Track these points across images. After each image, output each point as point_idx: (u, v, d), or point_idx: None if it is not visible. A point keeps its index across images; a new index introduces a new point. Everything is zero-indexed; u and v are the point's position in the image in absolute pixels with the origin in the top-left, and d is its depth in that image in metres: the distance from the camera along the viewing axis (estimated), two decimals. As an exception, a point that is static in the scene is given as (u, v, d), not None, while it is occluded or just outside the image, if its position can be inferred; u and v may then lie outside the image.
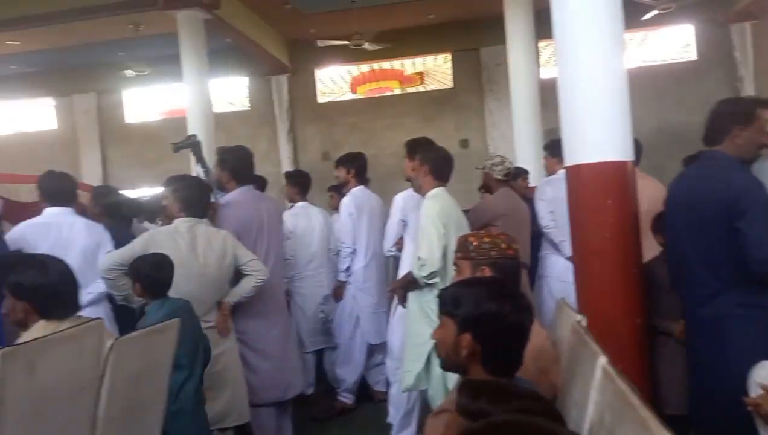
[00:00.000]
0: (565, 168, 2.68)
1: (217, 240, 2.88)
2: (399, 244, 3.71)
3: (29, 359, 1.41)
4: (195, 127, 7.42)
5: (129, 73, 10.12)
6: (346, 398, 4.29)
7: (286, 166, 11.21)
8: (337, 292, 4.34)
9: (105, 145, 12.74)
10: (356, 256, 4.25)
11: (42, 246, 2.69)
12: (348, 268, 4.26)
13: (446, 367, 1.53)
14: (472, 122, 11.42)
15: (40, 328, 1.95)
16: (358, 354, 4.28)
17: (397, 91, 12.08)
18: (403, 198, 3.64)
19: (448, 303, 1.48)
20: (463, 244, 2.10)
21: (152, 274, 2.49)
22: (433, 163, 3.03)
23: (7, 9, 7.83)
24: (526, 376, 1.52)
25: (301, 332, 4.30)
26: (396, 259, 3.88)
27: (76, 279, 2.10)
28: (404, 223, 3.59)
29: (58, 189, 3.08)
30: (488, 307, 1.40)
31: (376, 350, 4.27)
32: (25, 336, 1.92)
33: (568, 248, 3.39)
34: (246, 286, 2.95)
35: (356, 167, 4.32)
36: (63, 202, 3.05)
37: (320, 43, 9.62)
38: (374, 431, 3.77)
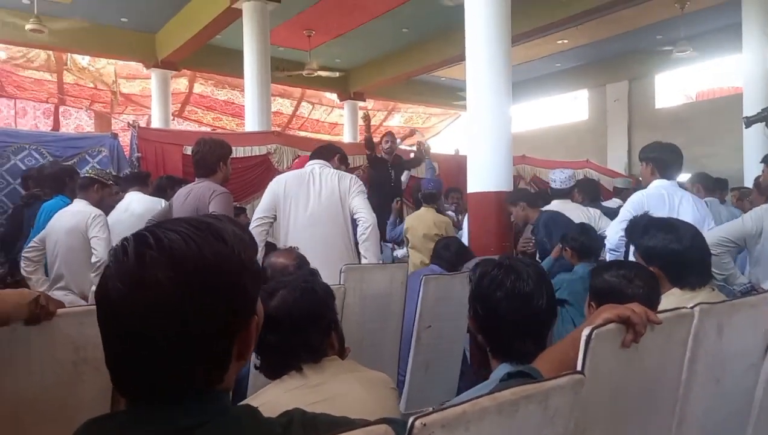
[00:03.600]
0: None
1: None
2: None
3: (719, 321, 1.32)
4: (752, 104, 6.55)
5: (673, 54, 9.77)
6: None
7: None
8: None
9: (632, 131, 12.86)
10: None
11: (658, 213, 2.75)
12: None
13: None
14: None
15: (675, 296, 1.89)
16: None
17: None
18: None
19: None
20: None
21: None
22: None
23: (562, 9, 8.66)
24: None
25: None
26: None
27: (707, 247, 1.97)
28: None
29: (671, 161, 3.15)
30: None
31: None
32: (663, 302, 1.88)
33: None
34: None
35: None
36: (669, 175, 3.15)
37: None
38: None
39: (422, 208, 5.01)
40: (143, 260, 0.68)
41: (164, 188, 4.55)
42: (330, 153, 3.55)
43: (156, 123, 10.34)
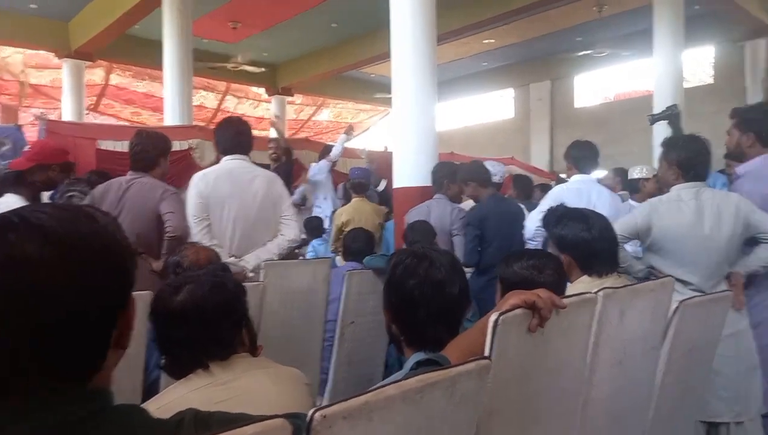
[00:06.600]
0: None
1: (728, 205, 2.46)
2: None
3: (621, 305, 1.37)
4: (661, 106, 6.95)
5: (586, 54, 10.24)
6: None
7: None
8: None
9: (554, 130, 13.40)
10: None
11: (575, 206, 2.86)
12: None
13: None
14: None
15: (584, 283, 1.96)
16: None
17: None
18: None
19: None
20: None
21: None
22: None
23: (490, 8, 8.89)
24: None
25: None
26: None
27: (616, 236, 2.06)
28: None
29: (584, 156, 3.31)
30: None
31: None
32: (570, 289, 1.95)
33: None
34: (764, 255, 2.43)
35: None
36: (585, 170, 3.29)
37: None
38: None
39: (354, 199, 4.94)
40: (7, 240, 0.62)
41: (93, 185, 4.26)
42: (252, 144, 3.17)
43: (68, 116, 9.76)
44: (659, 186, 3.44)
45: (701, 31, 9.91)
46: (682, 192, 2.53)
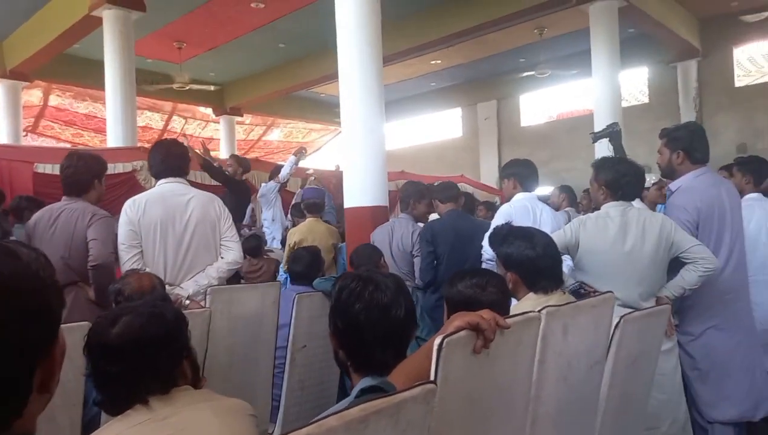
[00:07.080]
0: None
1: (653, 224, 2.57)
2: None
3: (564, 322, 1.40)
4: (601, 123, 7.23)
5: (529, 75, 10.59)
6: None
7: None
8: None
9: (501, 147, 13.72)
10: None
11: (524, 223, 2.92)
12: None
13: None
14: None
15: (531, 300, 2.00)
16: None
17: None
18: None
19: None
20: None
21: None
22: None
23: (434, 30, 9.08)
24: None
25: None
26: None
27: (559, 254, 2.10)
28: None
29: (529, 174, 3.41)
30: None
31: None
32: (517, 306, 1.98)
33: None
34: (689, 277, 2.54)
35: None
36: (529, 187, 3.41)
37: (750, 18, 8.21)
38: None
39: (309, 219, 4.88)
40: None
41: (22, 211, 4.08)
42: (186, 165, 3.01)
43: (4, 139, 9.34)
44: (593, 205, 3.58)
45: (636, 52, 10.41)
46: (611, 210, 2.63)
